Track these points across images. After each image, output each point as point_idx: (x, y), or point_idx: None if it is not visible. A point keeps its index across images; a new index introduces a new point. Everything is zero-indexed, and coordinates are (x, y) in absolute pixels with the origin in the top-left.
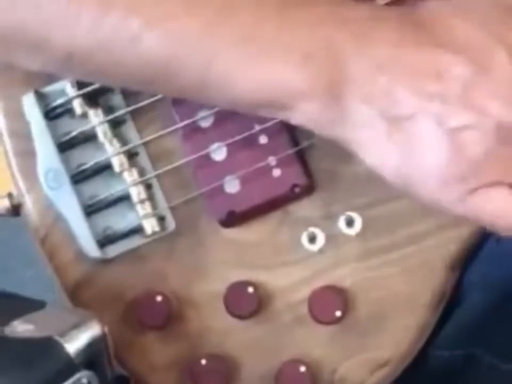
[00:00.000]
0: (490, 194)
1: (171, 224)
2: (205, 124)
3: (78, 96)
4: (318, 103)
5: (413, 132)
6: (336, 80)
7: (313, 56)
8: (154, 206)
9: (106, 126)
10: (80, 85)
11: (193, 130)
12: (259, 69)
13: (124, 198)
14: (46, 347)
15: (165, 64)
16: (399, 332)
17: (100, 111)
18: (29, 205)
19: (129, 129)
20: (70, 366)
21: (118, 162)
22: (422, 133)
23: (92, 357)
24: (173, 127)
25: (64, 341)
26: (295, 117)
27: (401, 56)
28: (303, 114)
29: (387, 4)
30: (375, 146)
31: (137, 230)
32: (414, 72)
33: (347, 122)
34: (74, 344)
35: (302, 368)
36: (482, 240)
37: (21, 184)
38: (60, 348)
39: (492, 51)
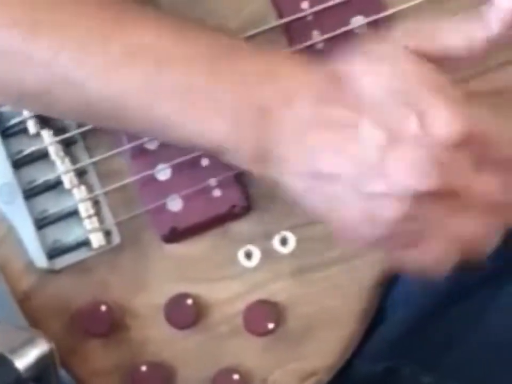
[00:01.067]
0: (402, 255)
1: (116, 238)
2: (151, 146)
3: (32, 116)
4: (247, 156)
5: (332, 191)
6: (263, 139)
7: (241, 116)
8: (101, 221)
9: (58, 145)
10: None
11: (140, 151)
12: (193, 121)
13: (73, 213)
14: None
15: (110, 110)
16: (327, 344)
17: (52, 131)
18: None
19: (80, 149)
20: (19, 381)
21: (68, 179)
22: (339, 194)
23: (40, 371)
24: (121, 148)
25: (14, 357)
26: (229, 161)
27: (323, 117)
28: (236, 161)
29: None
30: (303, 196)
31: (85, 243)
32: (335, 135)
33: (276, 173)
34: (23, 361)
35: (235, 376)
36: None
37: None
38: (9, 364)
39: (404, 118)
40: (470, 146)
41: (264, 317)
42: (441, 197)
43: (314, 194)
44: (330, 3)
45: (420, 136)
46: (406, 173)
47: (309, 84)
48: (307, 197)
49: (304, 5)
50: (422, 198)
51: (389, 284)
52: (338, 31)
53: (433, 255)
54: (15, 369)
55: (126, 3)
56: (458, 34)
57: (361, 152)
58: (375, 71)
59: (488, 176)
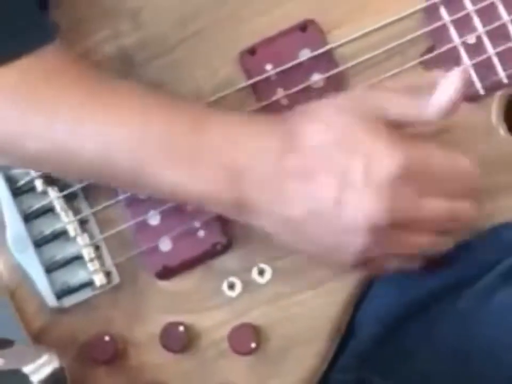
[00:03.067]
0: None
1: (116, 278)
2: (143, 195)
3: (38, 176)
4: (225, 209)
5: (303, 232)
6: (236, 193)
7: (214, 175)
8: (102, 263)
9: (62, 200)
10: None
11: (133, 200)
12: (174, 181)
13: (77, 258)
14: (15, 378)
15: (102, 169)
16: (303, 361)
17: (56, 188)
18: (0, 266)
19: (81, 201)
20: None
21: (72, 228)
22: (309, 234)
23: None
24: (116, 199)
25: (30, 372)
26: (213, 211)
27: (284, 170)
28: (217, 212)
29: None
30: (278, 237)
31: (88, 284)
32: (297, 184)
33: (253, 220)
34: (38, 375)
35: None
36: (372, 283)
37: None
38: (26, 379)
39: (351, 166)
40: (412, 177)
41: (247, 337)
42: (394, 225)
43: (289, 235)
44: (290, 64)
45: (366, 178)
46: (358, 211)
47: (268, 143)
48: (283, 238)
49: (268, 67)
50: (377, 229)
51: (357, 304)
52: (299, 87)
53: (400, 263)
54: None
55: (109, 77)
56: (406, 115)
57: (320, 198)
58: (318, 127)
59: (431, 199)
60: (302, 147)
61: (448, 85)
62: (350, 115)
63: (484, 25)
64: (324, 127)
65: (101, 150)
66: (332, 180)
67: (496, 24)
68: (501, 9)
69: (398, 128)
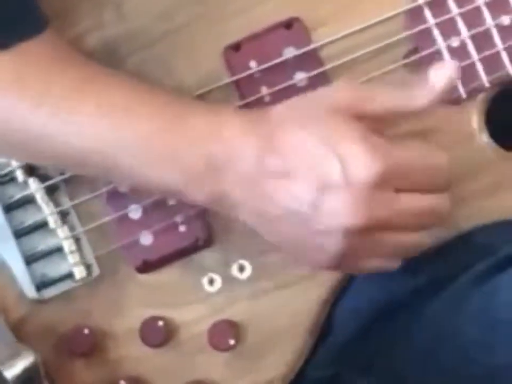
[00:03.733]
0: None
1: (96, 270)
2: (124, 189)
3: (19, 167)
4: (203, 201)
5: (282, 228)
6: (213, 187)
7: (191, 168)
8: (82, 256)
9: (43, 191)
10: None
11: (114, 194)
12: (153, 173)
13: (58, 250)
14: None
15: (79, 158)
16: (281, 356)
17: (37, 179)
18: None
19: (62, 194)
20: None
21: (52, 220)
22: (288, 231)
23: (26, 381)
24: (98, 192)
25: (3, 368)
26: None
27: (263, 167)
28: (196, 203)
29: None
30: (257, 230)
31: (68, 276)
32: (276, 181)
33: (232, 213)
34: (11, 371)
35: None
36: (350, 279)
37: None
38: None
39: (330, 168)
40: (389, 179)
41: (226, 334)
42: (371, 227)
43: (268, 230)
44: (274, 62)
45: (344, 181)
46: (335, 214)
47: (249, 141)
48: (263, 231)
49: (252, 64)
50: (354, 232)
51: (335, 301)
52: (282, 85)
53: (377, 264)
54: (4, 379)
55: (96, 66)
56: (388, 105)
57: (298, 199)
58: (300, 125)
59: (407, 195)
60: (282, 147)
61: (442, 71)
62: (329, 112)
63: (468, 29)
64: (305, 129)
65: (78, 140)
66: (309, 182)
67: (481, 28)
68: (486, 14)
69: (380, 124)
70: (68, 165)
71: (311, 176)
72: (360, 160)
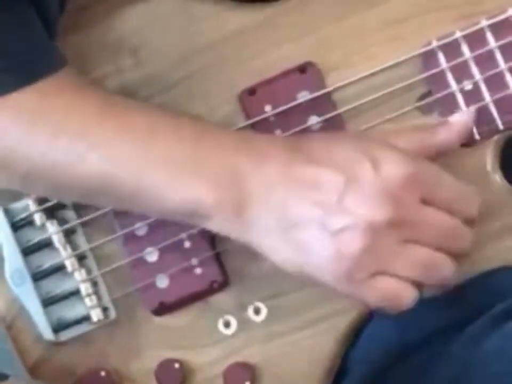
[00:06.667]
0: (374, 284)
1: (113, 313)
2: (141, 232)
3: (38, 210)
4: (227, 217)
5: (302, 237)
6: (239, 199)
7: (220, 180)
8: (99, 299)
9: (60, 234)
10: (40, 201)
11: (131, 237)
12: (178, 188)
13: (75, 293)
14: None
15: (104, 181)
16: None
17: (55, 222)
18: None
19: (79, 237)
20: None
21: (70, 264)
22: (309, 238)
23: None
24: (114, 235)
25: None
26: (211, 226)
27: (289, 174)
28: (217, 224)
29: None
30: (277, 250)
31: (85, 318)
32: (299, 187)
33: (252, 231)
34: None
35: None
36: (364, 323)
37: None
38: None
39: (359, 163)
40: (416, 184)
41: (242, 377)
42: (395, 226)
43: (288, 245)
44: (289, 105)
45: (374, 178)
46: (363, 206)
47: (277, 150)
48: (281, 250)
49: (267, 108)
50: (379, 229)
51: (350, 344)
52: (296, 129)
53: (395, 285)
54: None
55: (114, 94)
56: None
57: (323, 196)
58: (327, 137)
59: (434, 209)
60: (312, 154)
61: (461, 116)
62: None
63: (481, 72)
64: (332, 139)
65: (104, 164)
66: (339, 177)
67: (494, 71)
68: (499, 57)
69: None
70: (91, 193)
71: (341, 171)
72: (391, 160)
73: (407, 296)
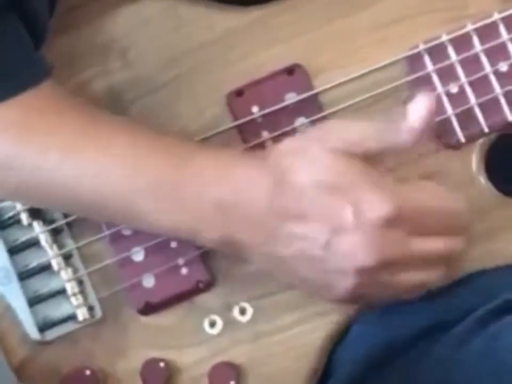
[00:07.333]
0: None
1: (99, 312)
2: (127, 231)
3: (24, 210)
4: (218, 245)
5: (292, 269)
6: (227, 231)
7: (204, 214)
8: (85, 298)
9: (47, 234)
10: None
11: (117, 236)
12: (166, 219)
13: (61, 292)
14: None
15: (94, 203)
16: None
17: (42, 222)
18: None
19: (66, 236)
20: None
21: (56, 263)
22: (299, 271)
23: None
24: (101, 235)
25: None
26: (209, 247)
27: (274, 209)
28: (213, 247)
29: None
30: (274, 274)
31: (71, 317)
32: (287, 224)
33: (246, 255)
34: None
35: None
36: (349, 325)
37: None
38: None
39: (340, 212)
40: (400, 221)
41: (227, 376)
42: (385, 267)
43: (280, 272)
44: (276, 107)
45: (356, 223)
46: (349, 254)
47: (259, 183)
48: (274, 272)
49: (255, 109)
50: (368, 271)
51: (334, 346)
52: (284, 130)
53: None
54: None
55: (99, 111)
56: (383, 142)
57: (311, 241)
58: (308, 171)
59: (423, 240)
60: (293, 188)
61: (418, 106)
62: (336, 155)
63: (467, 75)
64: (314, 169)
65: (91, 185)
66: (322, 225)
67: (479, 74)
68: (484, 60)
69: (379, 161)
70: (83, 211)
71: (324, 219)
72: (371, 202)
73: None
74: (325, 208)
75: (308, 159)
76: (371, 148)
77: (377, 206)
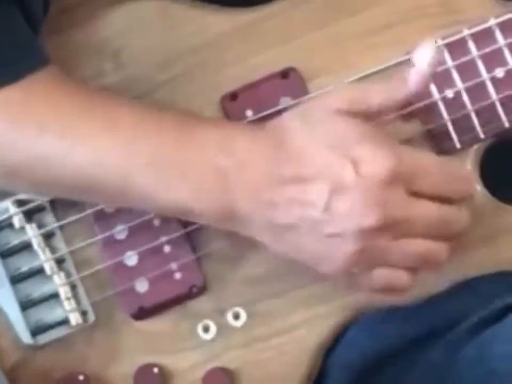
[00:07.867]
0: (371, 276)
1: (92, 317)
2: (121, 236)
3: (17, 213)
4: (217, 218)
5: (295, 239)
6: (226, 202)
7: (204, 184)
8: (78, 302)
9: (40, 237)
10: (19, 203)
11: (111, 241)
12: (165, 192)
13: (54, 296)
14: None
15: (89, 180)
16: None
17: (34, 225)
18: None
19: (58, 240)
20: None
21: (49, 267)
22: (301, 239)
23: None
24: (94, 239)
25: None
26: (207, 223)
27: (273, 176)
28: (211, 223)
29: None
30: (273, 246)
31: (64, 322)
32: (286, 189)
33: (245, 229)
34: None
35: None
36: (343, 330)
37: None
38: None
39: (341, 168)
40: (400, 179)
41: (220, 381)
42: (385, 228)
43: (279, 243)
44: (270, 111)
45: (357, 181)
46: (350, 214)
47: (259, 150)
48: (274, 246)
49: (249, 112)
50: (369, 233)
51: (327, 352)
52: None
53: (391, 275)
54: None
55: (100, 91)
56: (383, 96)
57: (311, 203)
58: (308, 131)
59: (423, 201)
60: (293, 150)
61: (424, 51)
62: (337, 115)
63: (463, 81)
64: (314, 129)
65: (89, 162)
66: (322, 186)
67: (475, 80)
68: (480, 66)
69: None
70: (77, 190)
71: (324, 179)
72: (371, 159)
73: (405, 283)
74: (324, 167)
75: (309, 120)
76: (373, 104)
77: (377, 162)
